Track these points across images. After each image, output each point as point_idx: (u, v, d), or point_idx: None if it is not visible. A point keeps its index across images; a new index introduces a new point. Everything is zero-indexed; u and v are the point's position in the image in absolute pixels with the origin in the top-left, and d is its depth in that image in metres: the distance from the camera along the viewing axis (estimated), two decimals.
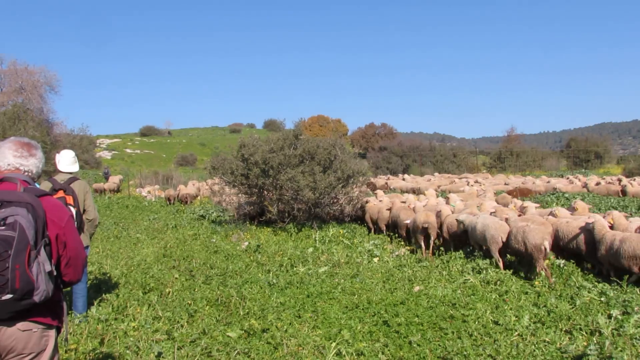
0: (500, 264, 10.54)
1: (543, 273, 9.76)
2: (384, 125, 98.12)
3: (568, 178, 30.98)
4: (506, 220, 11.32)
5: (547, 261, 10.04)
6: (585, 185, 26.52)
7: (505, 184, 29.63)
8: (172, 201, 29.21)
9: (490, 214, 12.64)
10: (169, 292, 9.39)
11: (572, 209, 12.79)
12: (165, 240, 15.60)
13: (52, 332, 3.65)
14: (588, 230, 10.34)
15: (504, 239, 10.72)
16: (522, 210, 13.25)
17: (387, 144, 71.18)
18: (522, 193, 25.51)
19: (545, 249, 9.81)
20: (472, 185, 26.99)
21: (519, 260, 10.78)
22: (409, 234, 14.38)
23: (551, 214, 12.35)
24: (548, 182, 28.82)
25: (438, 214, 13.47)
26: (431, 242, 13.15)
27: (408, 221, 14.00)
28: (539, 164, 59.39)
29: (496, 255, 10.75)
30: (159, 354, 6.19)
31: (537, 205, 13.93)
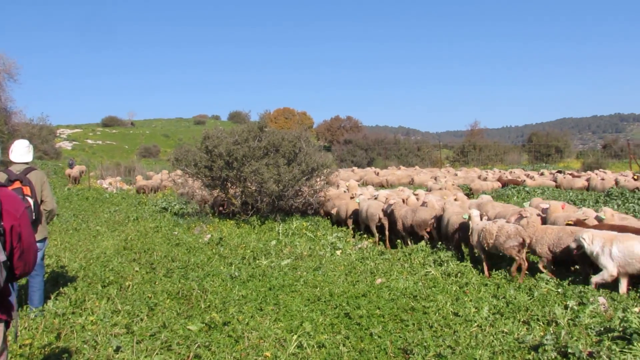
0: (376, 238, 14.18)
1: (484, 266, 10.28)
2: (349, 118, 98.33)
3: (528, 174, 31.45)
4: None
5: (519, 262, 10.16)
6: (555, 179, 26.98)
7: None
8: (145, 192, 29.01)
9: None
10: (129, 285, 9.28)
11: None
12: (126, 233, 15.41)
13: (1, 327, 3.57)
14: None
15: (381, 216, 14.10)
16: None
17: (353, 137, 71.37)
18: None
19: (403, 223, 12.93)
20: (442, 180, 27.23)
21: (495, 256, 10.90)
22: (380, 229, 14.49)
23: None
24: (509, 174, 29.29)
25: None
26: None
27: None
28: (501, 158, 60.32)
29: (373, 230, 14.34)
30: (118, 348, 6.11)
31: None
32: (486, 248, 10.19)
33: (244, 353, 6.12)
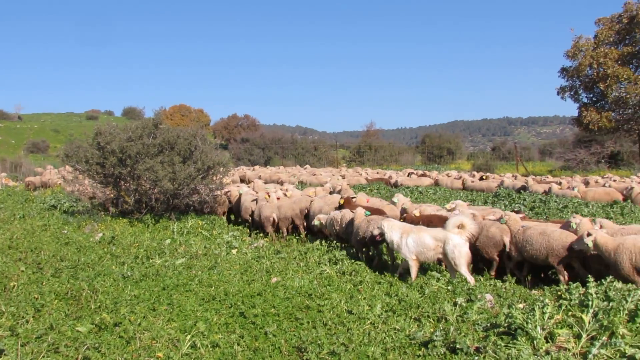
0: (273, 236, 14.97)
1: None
2: (247, 116, 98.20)
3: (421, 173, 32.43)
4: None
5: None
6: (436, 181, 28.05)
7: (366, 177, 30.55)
8: (33, 189, 27.87)
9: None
10: (14, 285, 8.87)
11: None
12: (11, 232, 14.71)
13: None
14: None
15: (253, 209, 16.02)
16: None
17: (250, 136, 71.45)
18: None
19: (274, 220, 15.14)
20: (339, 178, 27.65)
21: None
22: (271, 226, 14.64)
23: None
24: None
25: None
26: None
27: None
28: (396, 159, 61.90)
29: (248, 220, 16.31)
30: (1, 352, 5.85)
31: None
32: (336, 233, 12.70)
33: (135, 354, 6.00)
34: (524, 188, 23.28)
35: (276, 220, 15.29)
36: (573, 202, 17.99)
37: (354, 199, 14.62)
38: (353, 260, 10.64)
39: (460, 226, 9.58)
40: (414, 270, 9.65)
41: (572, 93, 44.18)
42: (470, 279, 9.26)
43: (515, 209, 14.29)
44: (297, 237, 14.60)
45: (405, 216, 12.95)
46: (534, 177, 28.67)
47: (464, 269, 9.35)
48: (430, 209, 13.41)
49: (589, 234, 9.09)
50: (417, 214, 12.53)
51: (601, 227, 10.28)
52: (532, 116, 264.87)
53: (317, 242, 12.30)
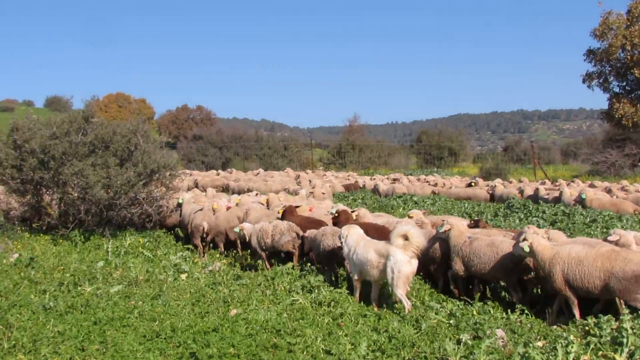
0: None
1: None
2: (200, 108, 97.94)
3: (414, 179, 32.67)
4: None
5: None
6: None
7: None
8: None
9: None
10: None
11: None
12: None
13: None
14: None
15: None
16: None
17: (204, 132, 71.17)
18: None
19: (204, 228, 15.58)
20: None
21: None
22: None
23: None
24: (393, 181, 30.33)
25: None
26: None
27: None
28: (385, 161, 61.77)
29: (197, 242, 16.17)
30: None
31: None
32: (264, 247, 13.33)
33: None
34: (535, 197, 23.40)
35: (205, 229, 15.68)
36: (603, 215, 18.07)
37: (297, 208, 15.23)
38: (332, 288, 10.59)
39: (404, 237, 9.74)
40: (356, 293, 10.39)
41: (600, 81, 44.27)
42: (407, 304, 9.55)
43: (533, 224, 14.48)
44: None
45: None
46: (551, 183, 28.91)
47: (399, 291, 9.57)
48: (370, 215, 13.92)
49: (525, 239, 9.62)
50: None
51: (548, 239, 10.83)
52: (552, 109, 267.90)
53: (288, 265, 12.29)
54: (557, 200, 21.94)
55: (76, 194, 15.94)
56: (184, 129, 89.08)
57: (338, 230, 11.62)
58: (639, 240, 10.74)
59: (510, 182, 29.75)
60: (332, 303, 9.87)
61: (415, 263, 9.67)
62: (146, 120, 23.33)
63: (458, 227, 11.13)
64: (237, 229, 13.94)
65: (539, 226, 15.62)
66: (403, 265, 9.48)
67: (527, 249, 9.48)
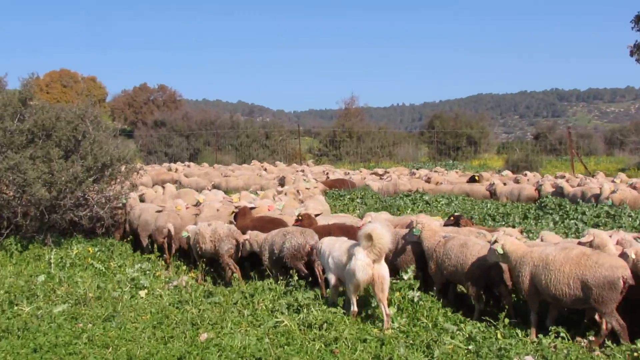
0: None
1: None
2: (162, 88, 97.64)
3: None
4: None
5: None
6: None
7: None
8: None
9: None
10: None
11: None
12: None
13: None
14: None
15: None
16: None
17: (167, 118, 70.59)
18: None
19: (169, 230, 15.71)
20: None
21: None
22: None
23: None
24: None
25: None
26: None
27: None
28: (390, 152, 61.18)
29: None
30: None
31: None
32: (201, 254, 13.94)
33: None
34: (560, 194, 23.45)
35: (172, 232, 15.91)
36: None
37: (252, 209, 15.76)
38: (325, 307, 10.60)
39: (369, 238, 10.04)
40: (334, 297, 11.13)
41: None
42: (354, 307, 10.31)
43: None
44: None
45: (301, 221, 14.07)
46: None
47: (350, 293, 10.32)
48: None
49: (496, 241, 10.15)
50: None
51: (541, 239, 11.71)
52: (593, 88, 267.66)
53: (269, 280, 12.28)
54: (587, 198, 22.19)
55: (11, 193, 15.95)
56: (143, 114, 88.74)
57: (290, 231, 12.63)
58: (545, 238, 11.42)
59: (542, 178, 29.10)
60: (325, 325, 9.85)
61: (379, 267, 10.08)
62: (96, 102, 23.33)
63: (430, 226, 11.70)
64: (184, 233, 14.17)
65: (577, 231, 15.70)
66: (360, 269, 9.94)
67: (500, 251, 9.98)
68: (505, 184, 27.02)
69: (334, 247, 10.80)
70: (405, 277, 10.96)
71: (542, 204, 21.67)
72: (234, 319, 10.36)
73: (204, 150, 59.68)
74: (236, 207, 15.63)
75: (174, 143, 61.18)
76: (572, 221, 18.05)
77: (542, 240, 11.62)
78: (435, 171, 33.53)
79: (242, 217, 14.80)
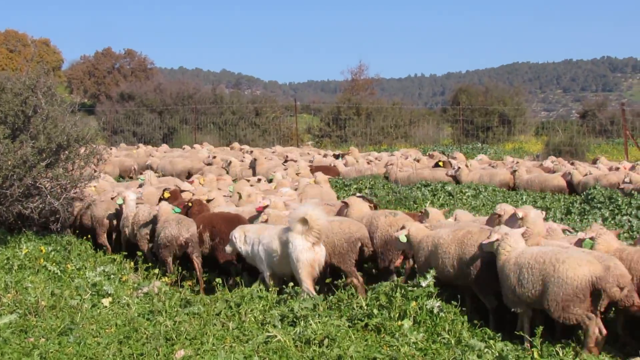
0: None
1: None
2: (130, 53, 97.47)
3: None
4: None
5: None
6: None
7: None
8: None
9: None
10: None
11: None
12: None
13: None
14: None
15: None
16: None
17: (136, 90, 70.20)
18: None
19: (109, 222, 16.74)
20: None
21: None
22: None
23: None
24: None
25: None
26: None
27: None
28: (405, 132, 60.64)
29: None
30: None
31: None
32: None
33: None
34: (584, 186, 23.58)
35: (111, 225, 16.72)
36: None
37: (182, 193, 16.73)
38: (326, 319, 10.47)
39: (303, 222, 10.74)
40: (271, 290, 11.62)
41: None
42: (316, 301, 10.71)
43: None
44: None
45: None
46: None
47: (305, 284, 10.97)
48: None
49: (403, 227, 11.09)
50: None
51: (455, 219, 12.67)
52: None
53: (260, 286, 12.24)
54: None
55: None
56: (107, 85, 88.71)
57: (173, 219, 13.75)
58: (459, 217, 12.10)
59: (594, 165, 28.55)
60: (326, 341, 9.77)
61: (320, 250, 11.02)
62: (50, 71, 23.29)
63: (415, 224, 11.90)
64: (120, 200, 14.65)
65: (631, 228, 15.72)
66: (303, 252, 10.78)
67: (403, 239, 10.90)
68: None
69: (263, 235, 11.57)
70: (424, 283, 10.75)
71: (589, 197, 21.50)
72: (216, 332, 10.35)
73: (180, 129, 59.05)
74: (165, 190, 16.28)
75: (144, 120, 60.23)
76: (624, 217, 18.00)
77: (455, 219, 12.63)
78: (454, 157, 33.00)
79: (173, 201, 15.26)
